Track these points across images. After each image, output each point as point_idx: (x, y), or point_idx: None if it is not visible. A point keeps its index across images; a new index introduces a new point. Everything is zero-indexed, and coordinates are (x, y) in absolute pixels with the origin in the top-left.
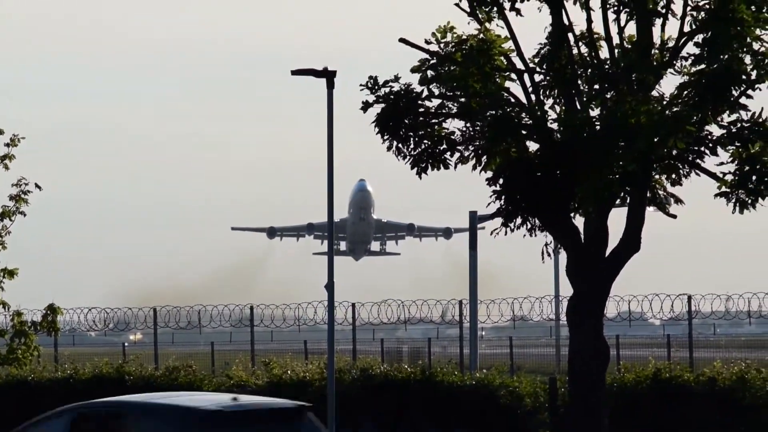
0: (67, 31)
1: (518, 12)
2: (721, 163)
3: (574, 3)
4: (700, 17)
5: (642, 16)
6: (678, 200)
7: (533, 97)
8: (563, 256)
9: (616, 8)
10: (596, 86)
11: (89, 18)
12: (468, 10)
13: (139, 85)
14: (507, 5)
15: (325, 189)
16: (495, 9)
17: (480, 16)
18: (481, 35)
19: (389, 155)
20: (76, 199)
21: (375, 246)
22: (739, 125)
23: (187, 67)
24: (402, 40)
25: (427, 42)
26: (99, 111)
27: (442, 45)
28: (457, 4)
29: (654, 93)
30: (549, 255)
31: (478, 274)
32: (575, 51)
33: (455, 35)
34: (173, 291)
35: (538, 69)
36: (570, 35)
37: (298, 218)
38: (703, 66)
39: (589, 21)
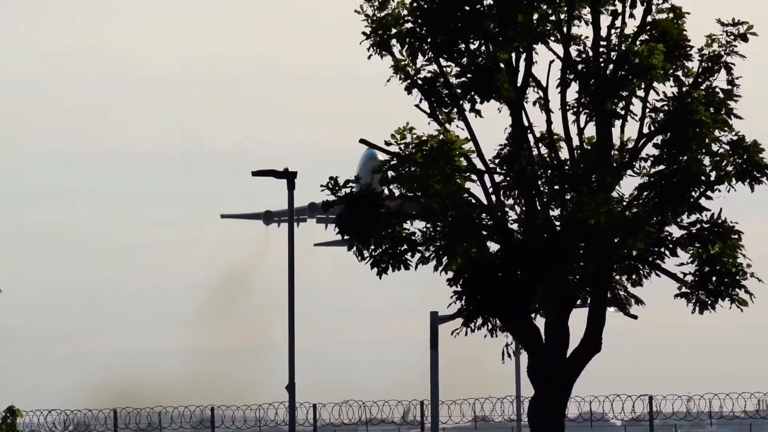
0: None
1: (478, 113)
2: (681, 264)
3: (534, 104)
4: (659, 119)
5: (601, 117)
6: (639, 301)
7: (494, 197)
8: (525, 355)
9: (575, 110)
10: (556, 187)
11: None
12: (428, 111)
13: None
14: (467, 106)
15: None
16: (455, 110)
17: (440, 117)
18: (442, 136)
19: (349, 255)
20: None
21: None
22: (698, 226)
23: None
24: (362, 141)
25: (387, 143)
26: None
27: (402, 146)
28: (417, 105)
29: (614, 194)
30: (509, 356)
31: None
32: (535, 152)
33: (415, 136)
34: (144, 373)
35: (498, 170)
36: (530, 136)
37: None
38: (662, 167)
39: (549, 122)
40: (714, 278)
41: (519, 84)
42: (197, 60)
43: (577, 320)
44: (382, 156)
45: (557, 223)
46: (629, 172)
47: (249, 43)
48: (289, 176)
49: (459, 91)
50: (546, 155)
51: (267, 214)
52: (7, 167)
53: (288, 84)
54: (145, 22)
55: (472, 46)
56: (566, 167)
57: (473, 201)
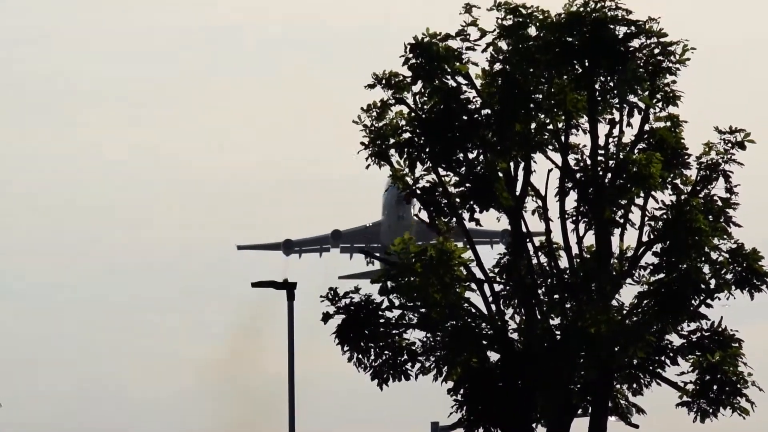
0: None
1: (477, 222)
2: (682, 373)
3: (533, 213)
4: (658, 227)
5: (600, 226)
6: (640, 410)
7: (493, 306)
8: None
9: (574, 218)
10: (556, 296)
11: None
12: (427, 221)
13: None
14: (466, 215)
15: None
16: (454, 220)
17: (439, 226)
18: (441, 245)
19: (349, 366)
20: None
21: None
22: (698, 334)
23: None
24: (364, 251)
25: (387, 253)
26: None
27: (401, 255)
28: (416, 215)
29: (613, 302)
30: None
31: None
32: (534, 260)
33: (415, 245)
34: None
35: (497, 279)
36: (529, 245)
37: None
38: (662, 275)
39: (548, 231)
40: (715, 387)
41: (518, 193)
42: None
43: (579, 429)
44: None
45: (557, 332)
46: (629, 280)
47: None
48: (289, 287)
49: (458, 200)
50: (545, 264)
51: (287, 243)
52: None
53: (288, 187)
54: None
55: (470, 156)
56: (566, 276)
57: (473, 310)
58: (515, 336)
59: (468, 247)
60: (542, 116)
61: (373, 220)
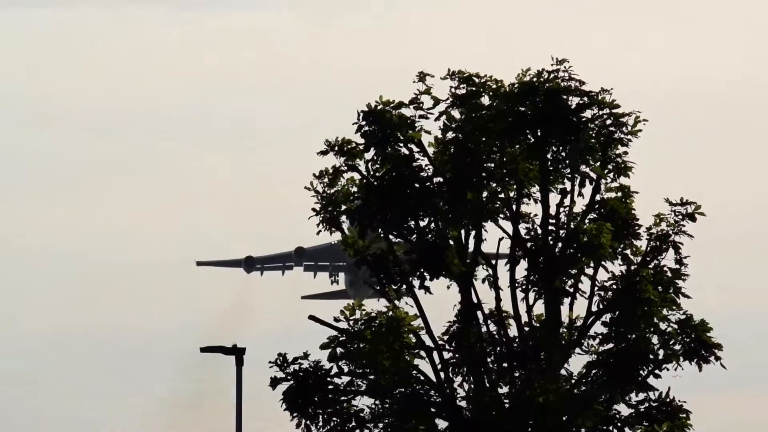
0: None
1: (427, 290)
2: None
3: (483, 281)
4: (607, 297)
5: (550, 295)
6: None
7: (442, 374)
8: None
9: (524, 287)
10: (505, 364)
11: None
12: (377, 287)
13: None
14: (416, 283)
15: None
16: (404, 287)
17: (389, 293)
18: (391, 312)
19: None
20: None
21: None
22: (647, 405)
23: None
24: (311, 317)
25: (336, 319)
26: None
27: (351, 322)
28: (366, 282)
29: (562, 372)
30: None
31: None
32: (484, 329)
33: (364, 312)
34: None
35: (447, 346)
36: (479, 313)
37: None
38: (611, 345)
39: (498, 299)
40: None
41: (468, 261)
42: None
43: None
44: None
45: (506, 401)
46: (578, 350)
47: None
48: (237, 353)
49: (408, 267)
50: (495, 332)
51: (249, 260)
52: None
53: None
54: None
55: (421, 223)
56: (515, 344)
57: (422, 378)
58: (464, 404)
59: (418, 314)
60: (494, 185)
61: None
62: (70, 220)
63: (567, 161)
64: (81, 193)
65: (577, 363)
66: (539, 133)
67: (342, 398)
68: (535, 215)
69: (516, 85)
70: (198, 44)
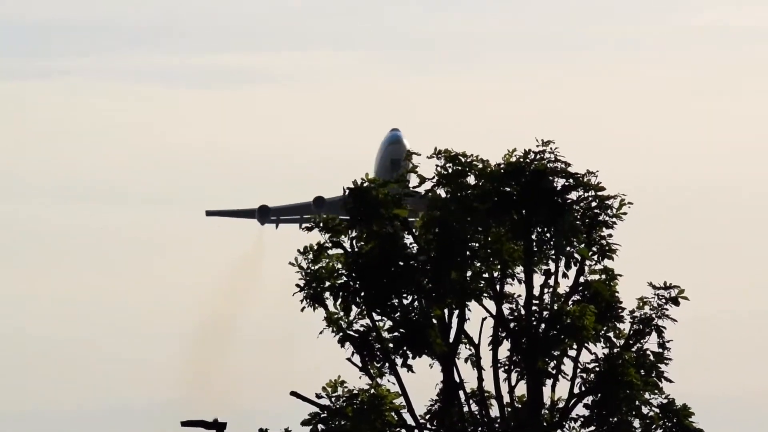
0: None
1: (410, 368)
2: None
3: (465, 361)
4: (590, 379)
5: (532, 376)
6: None
7: None
8: None
9: (506, 367)
10: None
11: None
12: (360, 365)
13: None
14: (399, 361)
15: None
16: (387, 365)
17: (372, 371)
18: (373, 390)
19: None
20: None
21: None
22: None
23: None
24: (293, 393)
25: (318, 396)
26: None
27: (333, 399)
28: (349, 359)
29: None
30: None
31: None
32: (466, 408)
33: (347, 389)
34: None
35: (428, 426)
36: (461, 393)
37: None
38: (592, 428)
39: (480, 379)
40: None
41: (451, 340)
42: None
43: None
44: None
45: None
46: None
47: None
48: (218, 427)
49: (391, 345)
50: (477, 412)
51: (263, 210)
52: None
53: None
54: None
55: (405, 302)
56: (496, 425)
57: None
58: None
59: (400, 393)
60: (478, 265)
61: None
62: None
63: (552, 242)
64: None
65: None
66: (524, 214)
67: None
68: (519, 296)
69: (502, 165)
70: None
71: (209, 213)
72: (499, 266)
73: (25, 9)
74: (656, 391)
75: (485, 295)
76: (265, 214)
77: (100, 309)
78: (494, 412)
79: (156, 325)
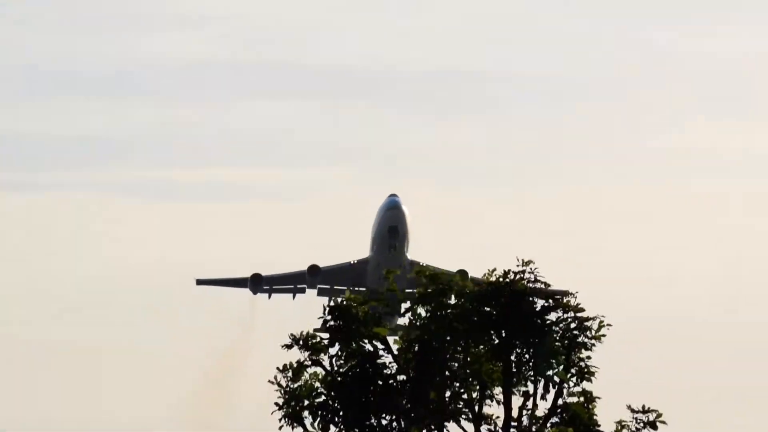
0: None
1: None
2: None
3: None
4: None
5: None
6: None
7: None
8: None
9: None
10: None
11: None
12: None
13: None
14: None
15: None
16: None
17: None
18: None
19: None
20: None
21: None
22: None
23: None
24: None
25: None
26: None
27: None
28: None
29: None
30: None
31: None
32: None
33: None
34: None
35: None
36: None
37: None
38: None
39: None
40: None
41: None
42: None
43: None
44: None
45: None
46: None
47: None
48: None
49: None
50: None
51: (255, 278)
52: None
53: None
54: None
55: (383, 422)
56: None
57: None
58: None
59: None
60: (457, 385)
61: (359, 257)
62: None
63: (531, 364)
64: None
65: None
66: (504, 335)
67: None
68: (498, 417)
69: (481, 287)
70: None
71: (200, 282)
72: (478, 387)
73: None
74: None
75: (463, 415)
76: (257, 283)
77: None
78: None
79: None
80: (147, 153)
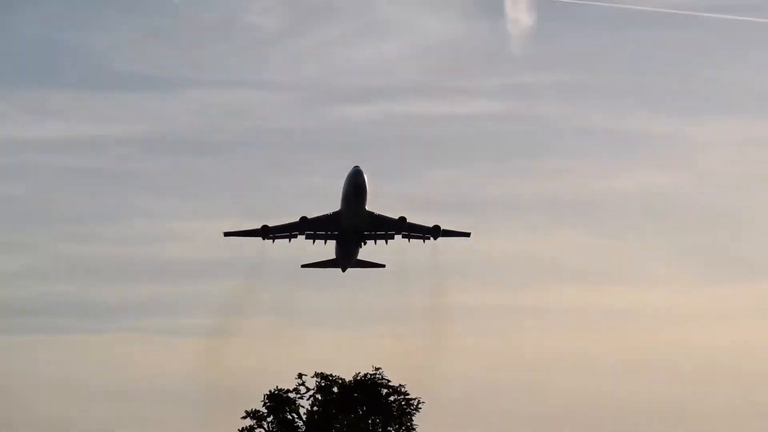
0: None
1: None
2: None
3: None
4: None
5: None
6: None
7: None
8: None
9: None
10: None
11: None
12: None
13: None
14: None
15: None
16: None
17: None
18: None
19: None
20: None
21: (362, 254)
22: None
23: None
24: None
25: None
26: None
27: None
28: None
29: None
30: None
31: None
32: None
33: None
34: None
35: None
36: None
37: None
38: None
39: None
40: None
41: None
42: None
43: None
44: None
45: None
46: None
47: None
48: None
49: None
50: None
51: (264, 228)
52: None
53: None
54: None
55: None
56: None
57: None
58: None
59: None
60: None
61: (334, 209)
62: None
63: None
64: None
65: None
66: (364, 410)
67: None
68: None
69: (351, 381)
70: None
71: (226, 234)
72: None
73: None
74: None
75: None
76: (266, 232)
77: None
78: None
79: None
80: None
